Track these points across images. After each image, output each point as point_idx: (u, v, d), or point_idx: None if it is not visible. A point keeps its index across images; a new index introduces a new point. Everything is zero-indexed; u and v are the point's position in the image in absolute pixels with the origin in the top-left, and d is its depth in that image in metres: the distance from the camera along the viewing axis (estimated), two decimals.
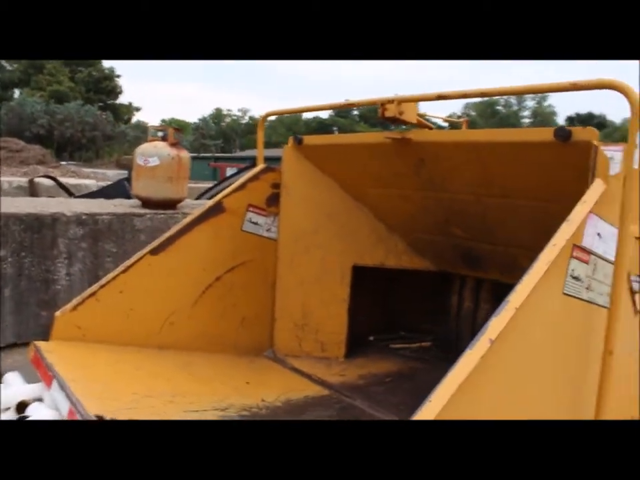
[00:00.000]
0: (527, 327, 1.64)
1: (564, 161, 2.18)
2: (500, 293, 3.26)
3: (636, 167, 1.97)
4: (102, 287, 2.88)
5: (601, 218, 1.93)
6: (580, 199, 2.26)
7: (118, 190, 5.99)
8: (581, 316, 1.91)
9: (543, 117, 65.83)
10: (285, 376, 3.11)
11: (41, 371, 2.47)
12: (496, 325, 1.56)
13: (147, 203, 4.27)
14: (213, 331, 3.22)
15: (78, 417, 1.99)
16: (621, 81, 1.87)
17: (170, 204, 4.31)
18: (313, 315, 3.39)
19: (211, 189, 6.38)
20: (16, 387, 2.55)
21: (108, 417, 2.02)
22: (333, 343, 3.42)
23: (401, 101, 2.50)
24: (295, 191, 3.32)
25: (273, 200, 3.35)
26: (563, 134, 2.06)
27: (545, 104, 67.94)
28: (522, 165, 2.34)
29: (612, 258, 2.01)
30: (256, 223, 3.32)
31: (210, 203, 3.20)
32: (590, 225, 1.90)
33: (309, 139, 3.19)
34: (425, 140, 2.58)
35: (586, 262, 1.90)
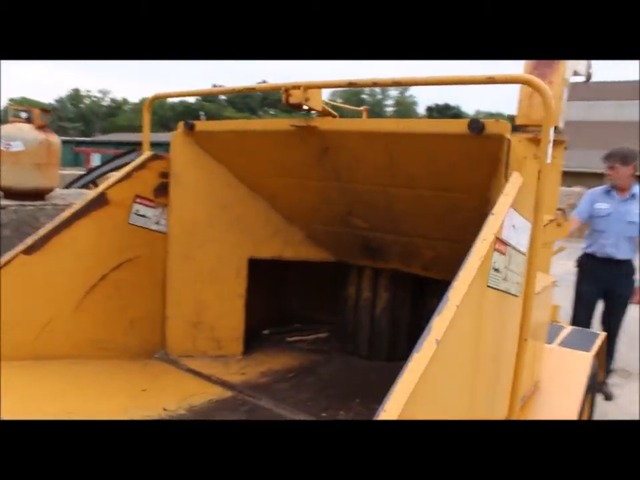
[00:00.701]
0: (464, 323, 1.62)
1: (474, 153, 2.19)
2: (399, 281, 3.32)
3: (549, 161, 2.03)
4: None
5: (516, 210, 1.96)
6: (491, 191, 2.31)
7: None
8: (499, 306, 1.94)
9: (404, 106, 69.19)
10: (182, 379, 2.91)
11: None
12: (439, 324, 1.51)
13: (9, 193, 3.79)
14: (99, 335, 2.93)
15: None
16: (534, 78, 1.90)
17: (38, 194, 3.86)
18: (207, 312, 3.21)
19: (82, 176, 5.86)
20: None
21: None
22: (229, 340, 3.26)
23: (307, 87, 2.38)
24: (185, 181, 3.09)
25: (162, 190, 3.10)
26: (476, 126, 2.07)
27: (407, 94, 71.40)
28: (431, 156, 2.33)
29: (523, 249, 2.05)
30: (144, 216, 3.06)
31: (92, 194, 2.88)
32: (507, 217, 1.92)
33: (202, 125, 2.98)
34: (331, 128, 2.49)
35: (504, 253, 1.92)
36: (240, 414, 2.53)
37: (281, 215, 3.21)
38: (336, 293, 3.82)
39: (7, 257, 2.60)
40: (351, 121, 2.49)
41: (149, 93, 3.47)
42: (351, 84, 2.22)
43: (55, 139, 3.91)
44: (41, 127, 3.82)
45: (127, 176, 2.96)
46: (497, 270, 1.88)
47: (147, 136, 3.16)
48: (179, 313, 3.17)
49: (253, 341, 3.42)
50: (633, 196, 4.96)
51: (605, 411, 4.72)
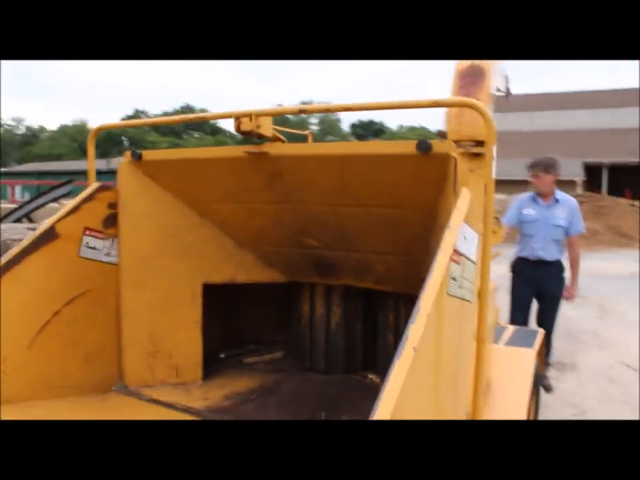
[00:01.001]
0: (432, 329, 1.73)
1: (421, 171, 2.33)
2: (350, 296, 3.43)
3: (494, 176, 2.19)
4: None
5: (466, 222, 2.10)
6: (438, 206, 2.46)
7: None
8: (457, 312, 2.07)
9: (328, 124, 70.22)
10: (144, 410, 2.89)
11: None
12: (414, 332, 1.61)
13: None
14: (53, 373, 2.87)
15: None
16: (477, 102, 2.06)
17: None
18: (164, 340, 3.20)
19: (15, 210, 5.65)
20: None
21: None
22: (188, 367, 3.26)
23: (258, 115, 2.46)
24: (133, 211, 3.08)
25: (111, 221, 3.08)
26: (424, 147, 2.21)
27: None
28: (379, 176, 2.46)
29: (473, 257, 2.20)
30: (94, 248, 3.02)
31: (40, 229, 2.82)
32: (460, 230, 2.06)
33: (149, 154, 2.99)
34: (282, 153, 2.58)
35: (459, 263, 2.05)
36: None
37: (231, 239, 3.26)
38: (286, 313, 3.89)
39: None
40: (303, 146, 2.59)
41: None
42: (301, 111, 2.32)
43: None
44: None
45: (76, 208, 2.92)
46: (454, 279, 2.02)
47: (92, 166, 3.15)
48: (135, 343, 3.14)
49: (211, 365, 3.42)
50: (556, 201, 5.31)
51: (546, 402, 4.99)
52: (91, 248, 3.01)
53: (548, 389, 5.49)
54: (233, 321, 3.90)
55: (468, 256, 2.16)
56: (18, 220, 5.49)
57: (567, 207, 5.32)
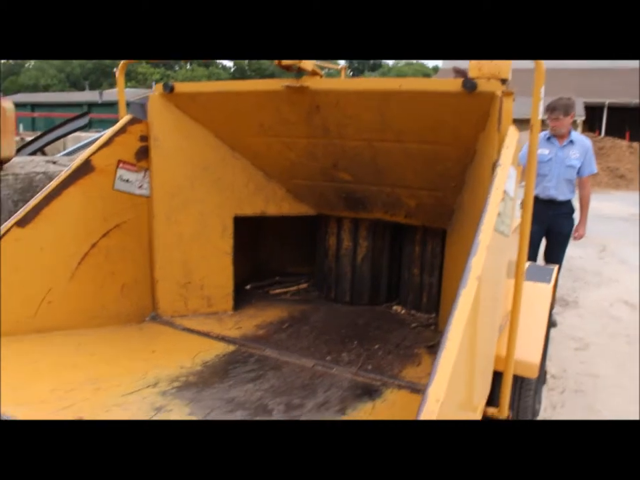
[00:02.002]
0: (487, 261, 1.79)
1: (464, 109, 2.36)
2: (377, 231, 3.50)
3: (540, 117, 2.22)
4: None
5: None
6: (478, 143, 2.50)
7: None
8: (499, 246, 2.14)
9: None
10: (182, 338, 2.99)
11: None
12: (476, 263, 1.68)
13: None
14: (92, 304, 2.95)
15: None
16: None
17: None
18: (196, 272, 3.27)
19: (30, 142, 5.57)
20: None
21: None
22: (219, 297, 3.35)
23: None
24: (165, 144, 3.09)
25: (143, 154, 3.09)
26: (470, 85, 2.23)
27: None
28: (422, 113, 2.48)
29: (512, 194, 2.26)
30: (127, 181, 3.05)
31: (77, 162, 2.84)
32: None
33: (181, 87, 2.97)
34: (322, 88, 2.57)
35: (503, 200, 2.10)
36: (252, 365, 2.66)
37: (262, 172, 3.28)
38: (311, 246, 3.96)
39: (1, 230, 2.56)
40: (343, 81, 2.59)
41: None
42: None
43: (9, 104, 3.74)
44: None
45: (109, 141, 2.93)
46: (499, 214, 2.07)
47: (122, 99, 3.12)
48: (168, 274, 3.21)
49: (238, 297, 3.51)
50: (570, 142, 5.33)
51: (551, 337, 5.16)
52: (124, 181, 3.03)
53: (553, 324, 5.67)
54: (257, 254, 3.98)
55: (509, 192, 2.21)
56: (33, 153, 5.43)
57: (581, 148, 5.33)
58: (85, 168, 2.84)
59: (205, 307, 3.32)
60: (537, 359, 2.83)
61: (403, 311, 3.52)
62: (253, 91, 2.77)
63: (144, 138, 3.06)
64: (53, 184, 2.72)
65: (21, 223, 2.61)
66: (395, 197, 3.07)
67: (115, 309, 3.06)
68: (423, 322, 3.35)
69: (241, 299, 3.54)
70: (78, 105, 17.33)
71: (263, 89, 2.71)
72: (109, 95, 19.47)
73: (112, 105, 15.38)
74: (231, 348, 2.86)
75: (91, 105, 16.14)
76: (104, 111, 15.97)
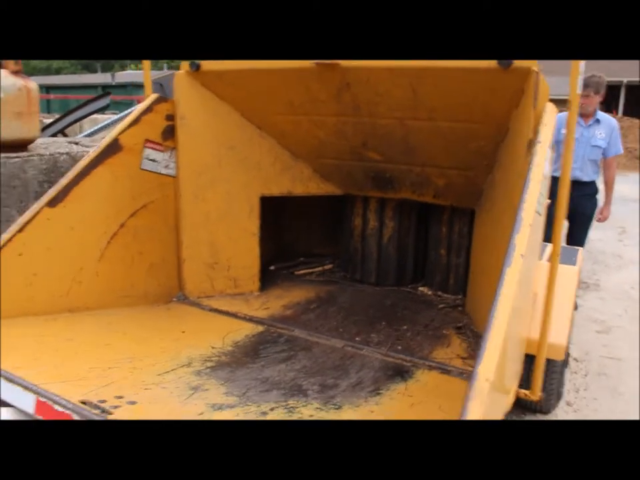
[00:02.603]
0: (529, 240, 1.76)
1: (499, 85, 2.31)
2: (403, 211, 3.46)
3: (579, 92, 2.18)
4: None
5: None
6: (511, 121, 2.46)
7: None
8: (537, 226, 2.10)
9: None
10: (210, 318, 2.99)
11: None
12: (520, 241, 1.66)
13: None
14: (121, 284, 2.95)
15: (57, 408, 1.73)
16: None
17: (21, 145, 3.70)
18: (223, 252, 3.26)
19: (51, 124, 5.56)
20: None
21: (94, 400, 1.79)
22: (246, 278, 3.34)
23: None
24: (192, 123, 3.06)
25: (169, 133, 3.06)
26: (506, 61, 2.18)
27: None
28: (455, 90, 2.44)
29: (547, 172, 2.23)
30: (154, 160, 3.03)
31: (105, 141, 2.82)
32: None
33: (208, 65, 2.93)
34: (353, 65, 2.53)
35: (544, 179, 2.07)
36: (282, 345, 2.65)
37: (289, 151, 3.25)
38: (334, 226, 3.94)
39: (32, 211, 2.55)
40: None
41: None
42: None
43: (33, 85, 3.72)
44: (16, 72, 3.62)
45: (136, 120, 2.90)
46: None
47: (147, 78, 3.09)
48: (195, 254, 3.21)
49: (263, 278, 3.50)
50: (597, 121, 5.22)
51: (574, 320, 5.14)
52: (151, 160, 3.01)
53: (574, 306, 5.62)
54: (281, 235, 3.96)
55: (544, 172, 2.17)
56: (54, 135, 5.42)
57: (607, 127, 5.22)
58: (113, 147, 2.82)
59: (231, 287, 3.32)
60: (563, 341, 2.81)
61: (430, 292, 3.50)
62: (282, 69, 2.73)
63: (170, 117, 3.04)
64: (82, 163, 2.71)
65: (52, 202, 2.60)
66: (425, 177, 3.03)
67: (142, 289, 3.06)
68: (450, 303, 3.33)
69: (266, 279, 3.54)
70: (92, 86, 17.33)
71: (292, 67, 2.67)
72: (122, 76, 19.43)
73: (125, 87, 15.36)
74: (260, 328, 2.86)
75: (105, 87, 16.11)
76: (117, 93, 15.93)
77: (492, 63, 2.24)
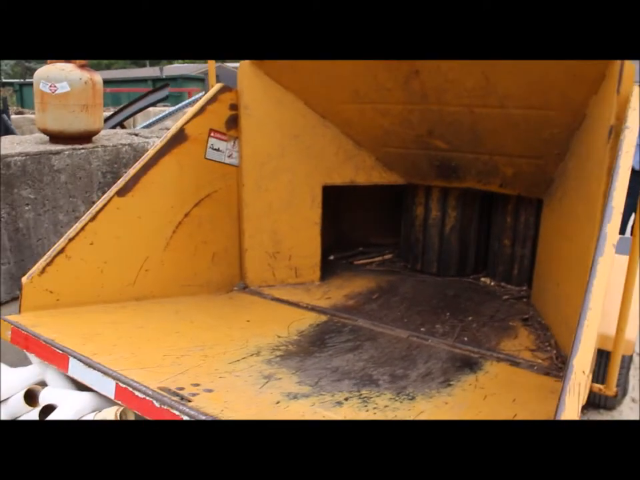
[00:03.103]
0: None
1: (577, 70, 2.22)
2: (467, 200, 3.40)
3: None
4: (70, 240, 2.50)
5: None
6: (589, 107, 2.37)
7: None
8: None
9: None
10: (273, 307, 3.00)
11: (39, 351, 2.12)
12: (612, 230, 1.60)
13: (58, 137, 3.69)
14: (185, 272, 2.98)
15: (138, 394, 1.76)
16: None
17: (86, 137, 3.78)
18: (284, 242, 3.27)
19: (111, 116, 5.68)
20: (4, 374, 2.18)
21: (172, 387, 1.82)
22: (307, 268, 3.34)
23: None
24: (255, 112, 3.07)
25: (232, 122, 3.08)
26: None
27: None
28: (529, 76, 2.35)
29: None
30: (218, 150, 3.05)
31: (172, 130, 2.85)
32: None
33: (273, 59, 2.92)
34: None
35: None
36: (348, 335, 2.64)
37: (352, 140, 3.22)
38: (393, 216, 3.90)
39: (102, 200, 2.60)
40: None
41: None
42: None
43: (98, 78, 3.79)
44: (82, 66, 3.69)
45: (201, 110, 2.92)
46: None
47: (212, 70, 3.11)
48: (257, 244, 3.22)
49: (323, 267, 3.49)
50: None
51: None
52: (215, 150, 3.03)
53: None
54: (339, 224, 3.95)
55: None
56: (113, 127, 5.53)
57: None
58: (179, 137, 2.85)
59: (292, 277, 3.32)
60: (633, 336, 2.71)
61: (492, 283, 3.43)
62: None
63: (234, 107, 3.05)
64: (151, 152, 2.75)
65: (121, 192, 2.65)
66: (492, 165, 2.96)
67: (205, 278, 3.10)
68: (514, 294, 3.25)
69: (326, 269, 3.53)
70: (142, 80, 17.64)
71: None
72: (170, 70, 19.72)
73: (174, 80, 15.57)
74: (323, 318, 2.85)
75: (154, 80, 16.39)
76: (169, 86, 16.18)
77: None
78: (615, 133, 2.07)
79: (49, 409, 1.93)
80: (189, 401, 1.78)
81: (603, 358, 2.59)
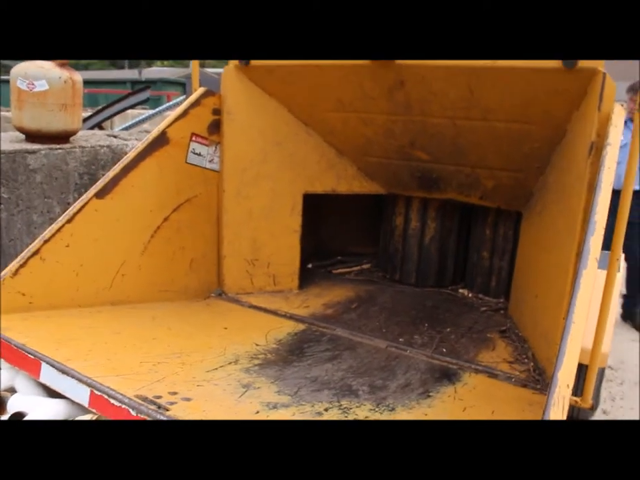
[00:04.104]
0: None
1: (560, 86, 2.26)
2: (447, 211, 3.42)
3: None
4: (46, 242, 2.44)
5: None
6: (571, 123, 2.41)
7: None
8: None
9: None
10: (250, 315, 2.97)
11: (9, 356, 2.06)
12: (594, 244, 1.62)
13: (35, 136, 3.63)
14: (162, 278, 2.94)
15: (114, 402, 1.72)
16: None
17: (64, 136, 3.72)
18: (263, 249, 3.24)
19: (90, 117, 5.59)
20: None
21: (149, 395, 1.78)
22: (285, 276, 3.32)
23: None
24: (238, 117, 3.04)
25: (215, 127, 3.05)
26: (570, 62, 2.13)
27: None
28: (514, 90, 2.38)
29: None
30: (199, 154, 3.01)
31: (153, 133, 2.81)
32: None
33: (259, 60, 2.91)
34: (408, 62, 2.49)
35: None
36: (326, 344, 2.62)
37: (334, 149, 3.22)
38: (372, 225, 3.91)
39: (80, 202, 2.55)
40: None
41: None
42: None
43: (78, 77, 3.72)
44: (62, 65, 3.64)
45: (184, 114, 2.89)
46: None
47: (196, 73, 3.08)
48: (236, 251, 3.19)
49: (301, 275, 3.47)
50: None
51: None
52: (196, 154, 3.00)
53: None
54: (317, 233, 3.93)
55: None
56: (91, 128, 5.45)
57: None
58: (161, 140, 2.81)
59: (270, 284, 3.29)
60: (607, 349, 2.75)
61: (470, 294, 3.45)
62: (336, 65, 2.69)
63: (217, 111, 3.02)
64: (131, 155, 2.71)
65: (100, 194, 2.60)
66: (474, 178, 2.98)
67: (183, 284, 3.05)
68: (492, 306, 3.27)
69: (305, 277, 3.50)
70: (121, 82, 17.45)
71: (346, 64, 2.63)
72: (149, 73, 19.52)
73: (154, 83, 15.44)
74: (301, 327, 2.83)
75: (133, 83, 16.23)
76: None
77: (556, 63, 2.19)
78: (596, 149, 2.10)
79: (19, 416, 1.87)
80: (167, 410, 1.74)
81: (578, 371, 2.61)
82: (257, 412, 1.85)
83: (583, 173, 2.19)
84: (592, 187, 2.08)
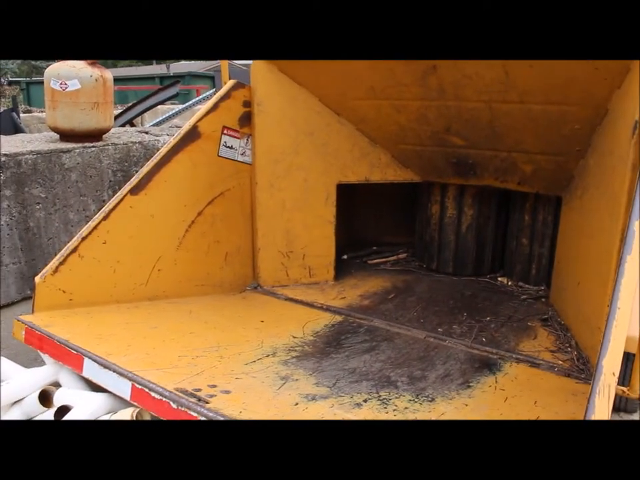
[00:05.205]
0: None
1: (602, 64, 2.16)
2: (483, 198, 3.34)
3: None
4: (83, 239, 2.47)
5: None
6: (612, 102, 2.31)
7: (3, 123, 5.09)
8: None
9: None
10: (287, 307, 2.96)
11: (53, 351, 2.09)
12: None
13: (68, 135, 3.66)
14: (198, 272, 2.95)
15: (154, 396, 1.73)
16: None
17: (97, 135, 3.75)
18: (298, 241, 3.22)
19: (120, 114, 5.66)
20: (18, 375, 2.16)
21: (189, 388, 1.79)
22: (321, 267, 3.30)
23: None
24: (269, 109, 3.02)
25: (246, 120, 3.04)
26: None
27: None
28: (552, 70, 2.29)
29: None
30: (231, 147, 3.01)
31: (185, 128, 2.81)
32: None
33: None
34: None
35: None
36: (364, 336, 2.59)
37: (367, 137, 3.17)
38: (406, 215, 3.85)
39: (115, 199, 2.57)
40: None
41: None
42: None
43: (109, 75, 3.75)
44: (93, 63, 3.66)
45: (215, 107, 2.89)
46: None
47: (225, 66, 3.07)
48: (270, 243, 3.18)
49: (337, 267, 3.44)
50: None
51: None
52: (228, 147, 2.99)
53: None
54: (351, 223, 3.90)
55: None
56: (123, 125, 5.51)
57: None
58: (193, 134, 2.81)
59: (306, 276, 3.27)
60: None
61: (510, 283, 3.37)
62: None
63: (247, 103, 3.01)
64: (164, 150, 2.71)
65: (134, 190, 2.61)
66: (510, 162, 2.90)
67: (218, 278, 3.06)
68: (532, 294, 3.19)
69: (340, 268, 3.48)
70: (149, 78, 17.66)
71: None
72: (177, 67, 19.70)
73: (182, 77, 15.57)
74: (338, 318, 2.81)
75: (162, 78, 16.39)
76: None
77: None
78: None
79: (64, 409, 1.90)
80: (207, 402, 1.74)
81: (625, 360, 2.53)
82: (296, 404, 1.83)
83: (626, 153, 2.10)
84: (636, 168, 2.00)
